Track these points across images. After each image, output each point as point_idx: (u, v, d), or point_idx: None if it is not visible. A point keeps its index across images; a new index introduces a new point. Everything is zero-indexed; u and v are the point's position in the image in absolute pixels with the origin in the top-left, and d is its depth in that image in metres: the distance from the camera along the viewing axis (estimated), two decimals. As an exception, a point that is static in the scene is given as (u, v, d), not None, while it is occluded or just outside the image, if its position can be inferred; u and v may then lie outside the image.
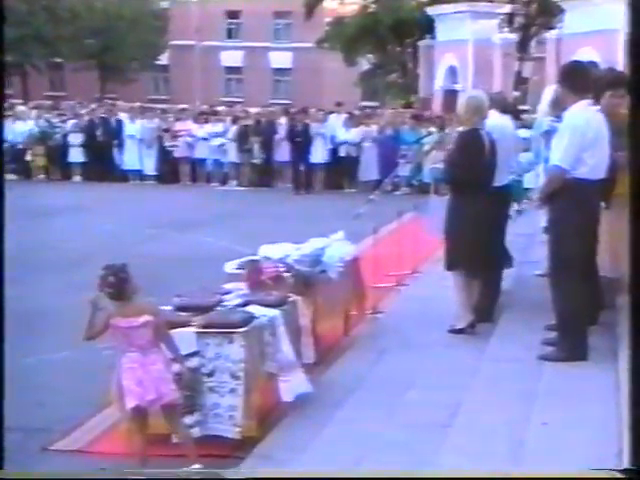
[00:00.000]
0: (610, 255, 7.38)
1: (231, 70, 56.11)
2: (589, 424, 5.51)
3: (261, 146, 22.32)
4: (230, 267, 7.39)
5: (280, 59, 55.34)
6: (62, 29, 45.39)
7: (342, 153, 22.01)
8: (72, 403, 6.64)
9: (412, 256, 10.97)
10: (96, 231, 14.77)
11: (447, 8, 33.22)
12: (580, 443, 5.23)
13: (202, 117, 24.04)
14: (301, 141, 21.70)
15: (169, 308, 6.17)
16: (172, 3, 52.51)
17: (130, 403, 5.17)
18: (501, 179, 8.10)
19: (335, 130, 22.26)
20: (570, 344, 6.80)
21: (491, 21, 32.41)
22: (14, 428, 5.67)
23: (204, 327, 5.85)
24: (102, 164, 23.51)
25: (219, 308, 6.26)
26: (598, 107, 7.01)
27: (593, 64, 9.25)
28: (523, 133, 12.64)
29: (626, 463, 4.55)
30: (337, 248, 7.99)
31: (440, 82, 33.56)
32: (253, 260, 7.28)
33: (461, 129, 8.23)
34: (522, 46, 37.56)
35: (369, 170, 21.50)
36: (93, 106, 26.77)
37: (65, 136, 23.51)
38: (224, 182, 22.96)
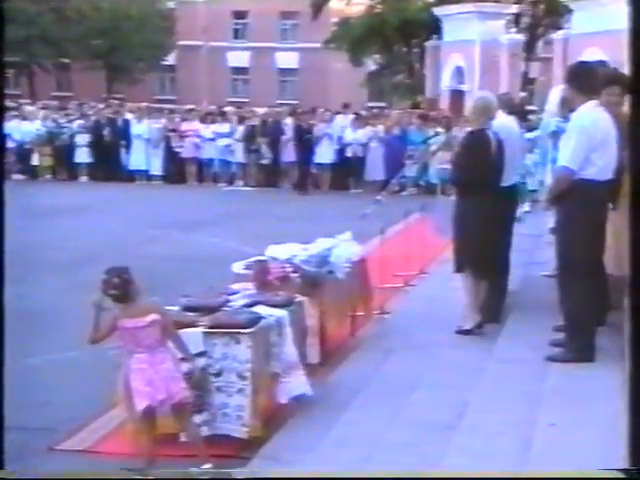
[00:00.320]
0: (616, 255, 7.35)
1: (238, 70, 56.15)
2: (596, 425, 5.50)
3: (268, 146, 22.34)
4: (237, 267, 7.39)
5: (287, 59, 55.37)
6: (69, 30, 45.51)
7: (349, 153, 21.99)
8: (78, 403, 6.65)
9: (419, 257, 10.96)
10: (103, 231, 14.79)
11: (454, 8, 33.20)
12: (587, 444, 5.22)
13: (209, 117, 24.05)
14: (306, 142, 21.69)
15: (176, 308, 6.16)
16: (179, 4, 52.56)
17: (141, 404, 5.16)
18: (508, 179, 8.09)
19: (342, 130, 22.26)
20: (578, 345, 6.78)
21: (498, 21, 32.37)
22: (20, 428, 5.68)
23: (211, 327, 5.85)
24: (109, 164, 23.54)
25: (226, 308, 6.26)
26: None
27: (603, 63, 9.22)
28: (528, 135, 12.65)
29: (626, 463, 4.55)
30: (344, 248, 7.99)
31: (447, 82, 33.54)
32: (260, 260, 7.28)
33: (468, 129, 8.23)
34: (529, 46, 37.54)
35: (376, 170, 21.49)
36: (101, 106, 26.79)
37: (72, 136, 23.52)
38: (231, 182, 22.98)
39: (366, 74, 45.14)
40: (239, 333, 5.79)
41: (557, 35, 29.52)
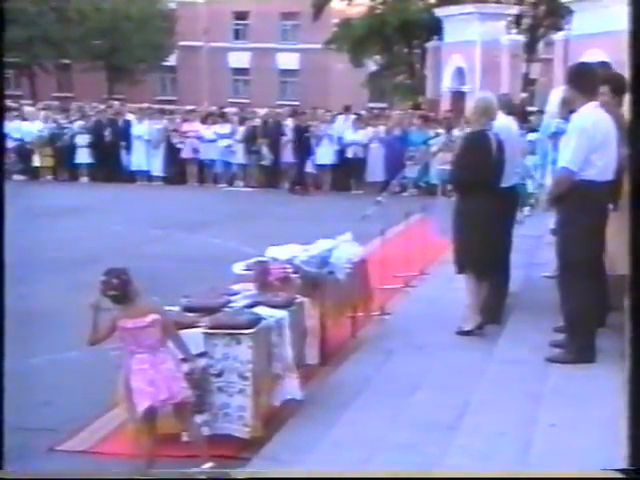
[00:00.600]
0: (617, 256, 7.36)
1: (238, 71, 56.15)
2: (597, 426, 5.50)
3: (269, 147, 22.35)
4: (238, 268, 7.40)
5: (287, 60, 55.37)
6: (70, 30, 45.50)
7: (349, 154, 21.99)
8: (79, 403, 6.65)
9: (419, 257, 10.97)
10: (103, 232, 14.80)
11: (454, 9, 33.18)
12: (588, 445, 5.23)
13: (210, 118, 24.05)
14: (303, 142, 21.69)
15: (177, 309, 6.17)
16: (180, 4, 52.60)
17: (143, 404, 5.16)
18: (508, 180, 8.09)
19: (342, 131, 22.27)
20: (578, 346, 6.79)
21: (499, 22, 32.34)
22: (21, 428, 5.69)
23: (212, 328, 5.85)
24: (109, 165, 23.53)
25: (227, 309, 6.26)
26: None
27: (604, 64, 9.21)
28: (530, 136, 12.65)
29: (626, 464, 4.55)
30: (344, 249, 7.99)
31: (447, 83, 33.51)
32: (261, 261, 7.28)
33: (469, 130, 8.23)
34: (530, 47, 37.52)
35: (376, 171, 21.49)
36: (102, 107, 26.79)
37: (73, 137, 23.53)
38: (231, 183, 22.98)
39: (367, 75, 45.09)
40: (240, 334, 5.80)
41: (558, 36, 29.48)
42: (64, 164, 23.83)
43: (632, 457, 4.47)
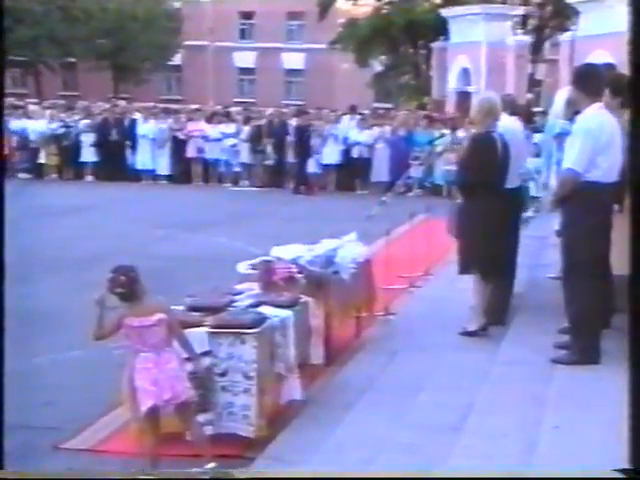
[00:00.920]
0: (622, 257, 7.34)
1: (244, 71, 56.22)
2: (601, 427, 5.49)
3: (274, 147, 22.36)
4: (242, 268, 7.39)
5: (293, 60, 55.41)
6: (76, 29, 45.60)
7: (354, 154, 21.99)
8: (82, 402, 6.65)
9: (424, 258, 10.95)
10: (108, 231, 14.80)
11: (460, 10, 33.19)
12: (592, 446, 5.22)
13: (215, 118, 24.06)
14: (304, 141, 21.70)
15: (181, 308, 6.16)
16: (185, 4, 52.61)
17: (146, 404, 5.16)
18: (513, 181, 8.08)
19: (348, 131, 22.26)
20: (583, 347, 6.78)
21: (504, 23, 32.33)
22: (24, 427, 5.70)
23: (216, 327, 5.85)
24: (115, 164, 23.52)
25: (231, 309, 6.26)
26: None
27: (610, 66, 9.20)
28: (536, 137, 12.62)
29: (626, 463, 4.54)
30: (349, 249, 7.98)
31: (453, 84, 33.50)
32: (265, 261, 7.27)
33: (474, 131, 8.22)
34: (535, 48, 37.51)
35: (381, 171, 21.48)
36: (107, 106, 26.81)
37: (78, 136, 23.56)
38: (236, 182, 22.99)
39: (372, 75, 45.13)
40: (244, 333, 5.79)
41: (564, 37, 29.46)
42: (69, 163, 23.83)
43: (634, 458, 4.45)
